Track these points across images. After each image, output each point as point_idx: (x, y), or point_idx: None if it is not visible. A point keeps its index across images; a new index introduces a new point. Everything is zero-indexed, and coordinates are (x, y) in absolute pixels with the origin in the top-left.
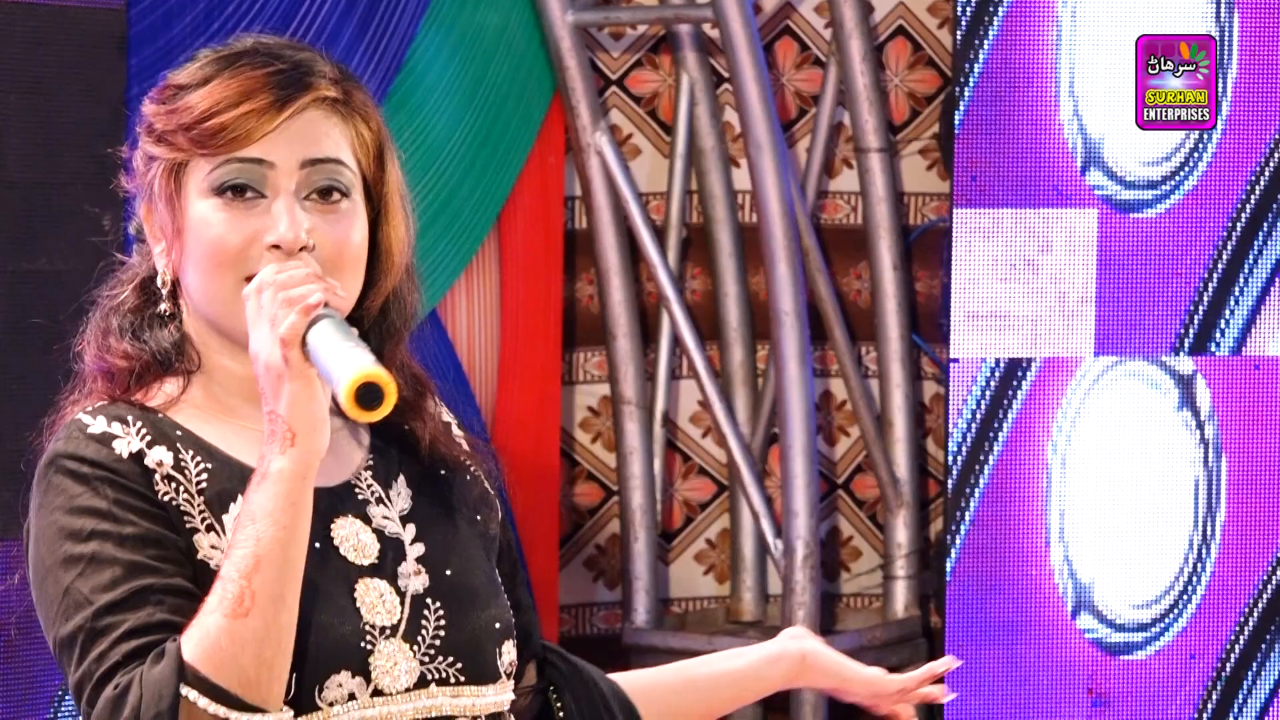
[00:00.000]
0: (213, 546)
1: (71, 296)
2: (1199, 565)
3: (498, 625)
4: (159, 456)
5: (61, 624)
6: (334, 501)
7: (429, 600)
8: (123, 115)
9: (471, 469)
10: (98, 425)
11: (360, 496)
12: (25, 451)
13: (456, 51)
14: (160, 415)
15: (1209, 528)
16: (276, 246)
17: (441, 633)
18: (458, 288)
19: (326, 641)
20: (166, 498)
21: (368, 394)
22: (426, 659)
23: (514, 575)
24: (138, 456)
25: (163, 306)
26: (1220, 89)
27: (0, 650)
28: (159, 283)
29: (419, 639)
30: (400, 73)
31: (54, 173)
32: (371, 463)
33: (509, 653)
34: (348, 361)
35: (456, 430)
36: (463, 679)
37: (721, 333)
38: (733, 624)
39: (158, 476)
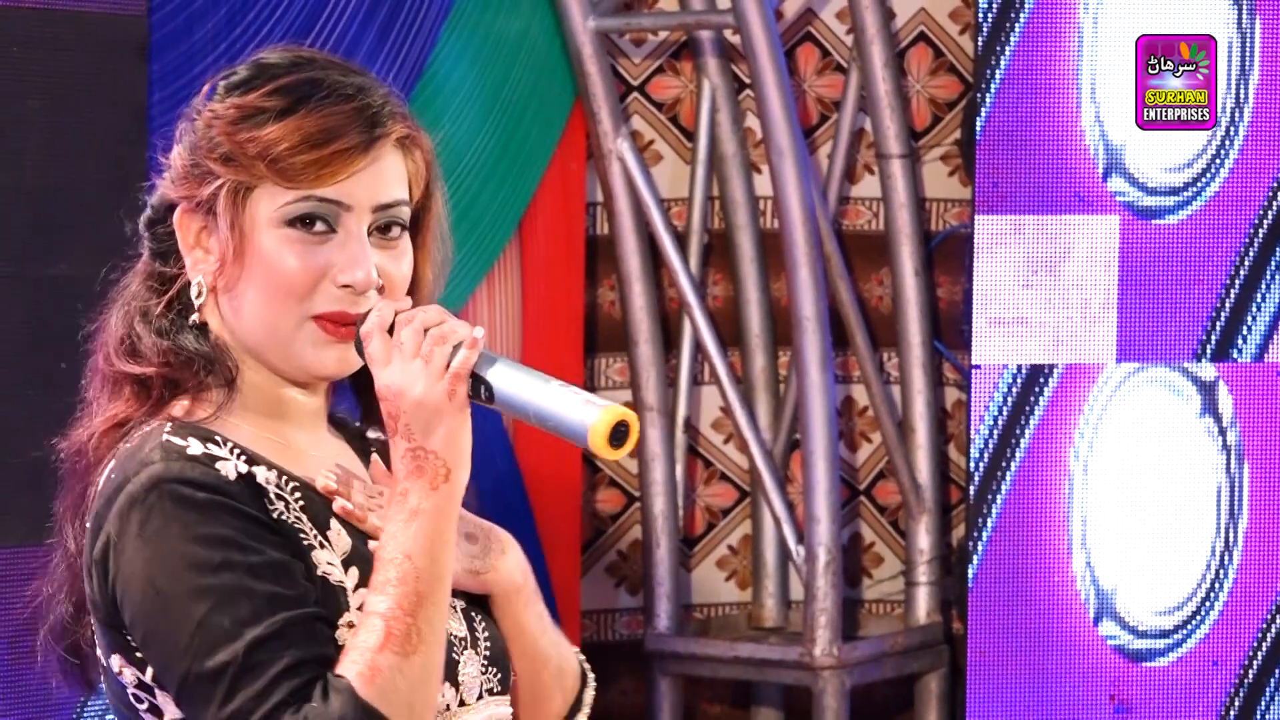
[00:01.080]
0: (329, 564)
1: (91, 302)
2: (1221, 572)
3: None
4: (264, 475)
5: (198, 659)
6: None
7: (474, 614)
8: (143, 120)
9: None
10: (194, 446)
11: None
12: (46, 456)
13: (478, 58)
14: (217, 435)
15: (1231, 534)
16: (348, 286)
17: (489, 643)
18: (479, 294)
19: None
20: (281, 516)
21: (621, 432)
22: (484, 669)
23: None
24: (248, 478)
25: (193, 318)
26: (1242, 94)
27: (24, 654)
28: (193, 293)
29: (479, 649)
30: (421, 79)
31: (74, 178)
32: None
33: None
34: (579, 401)
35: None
36: (499, 689)
37: (743, 339)
38: (755, 630)
39: (268, 496)
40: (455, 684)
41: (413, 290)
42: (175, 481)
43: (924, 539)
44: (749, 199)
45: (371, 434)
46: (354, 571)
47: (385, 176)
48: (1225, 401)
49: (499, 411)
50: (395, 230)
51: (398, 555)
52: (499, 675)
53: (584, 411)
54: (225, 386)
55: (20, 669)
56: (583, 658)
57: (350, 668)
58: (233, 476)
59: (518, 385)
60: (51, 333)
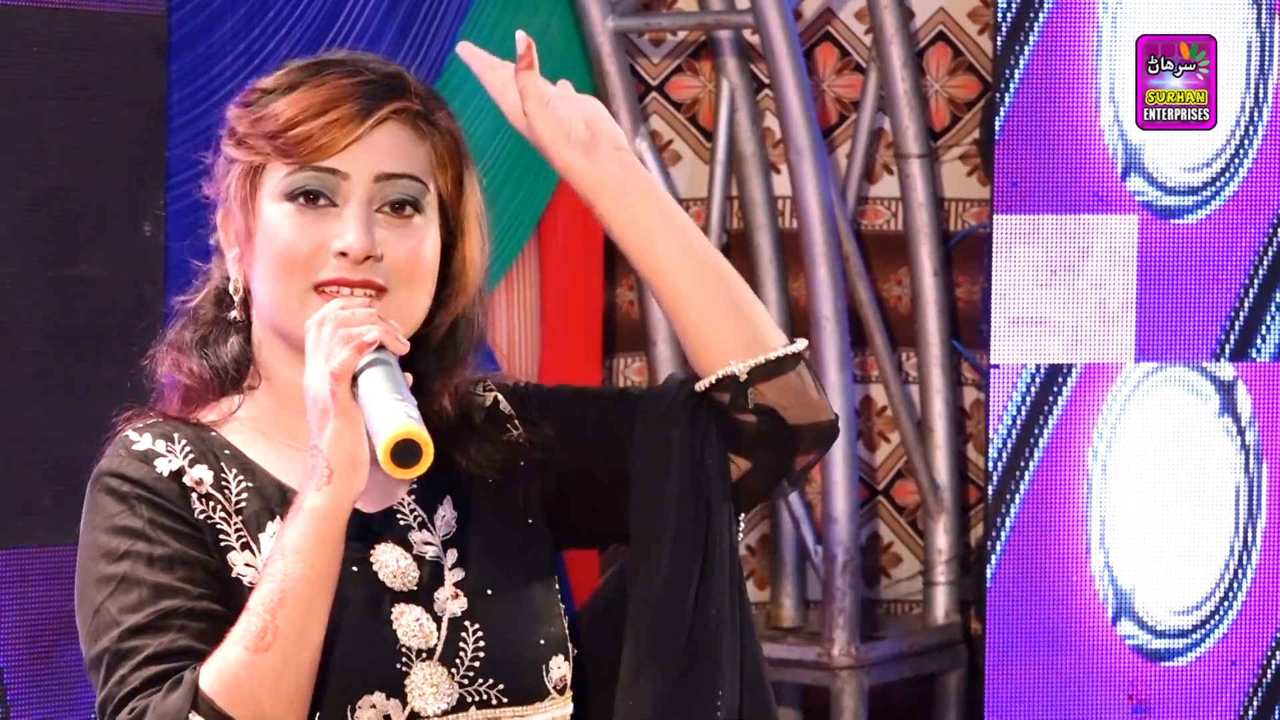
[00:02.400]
0: (247, 565)
1: (111, 302)
2: (1240, 572)
3: (543, 642)
4: (199, 474)
5: (91, 643)
6: (375, 527)
7: (467, 623)
8: (163, 121)
9: (521, 463)
10: (143, 443)
11: (402, 522)
12: (67, 457)
13: (497, 57)
14: (212, 433)
15: (1250, 534)
16: (343, 254)
17: (481, 654)
18: (498, 294)
19: (360, 663)
20: (202, 515)
21: (405, 451)
22: (465, 681)
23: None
24: (177, 474)
25: (233, 314)
26: (1262, 93)
27: (44, 654)
28: (230, 289)
29: (457, 662)
30: (440, 79)
31: (94, 178)
32: (415, 486)
33: (559, 668)
34: (389, 414)
35: (505, 407)
36: (505, 700)
37: None
38: (773, 630)
39: (195, 495)
40: (399, 696)
41: (451, 286)
42: (109, 474)
43: (942, 539)
44: (768, 199)
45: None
46: None
47: (389, 147)
48: (1244, 401)
49: None
50: (409, 210)
51: (275, 553)
52: (499, 686)
53: (385, 424)
54: (244, 392)
55: (40, 668)
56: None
57: (209, 662)
58: (165, 473)
59: (369, 391)
60: (71, 333)
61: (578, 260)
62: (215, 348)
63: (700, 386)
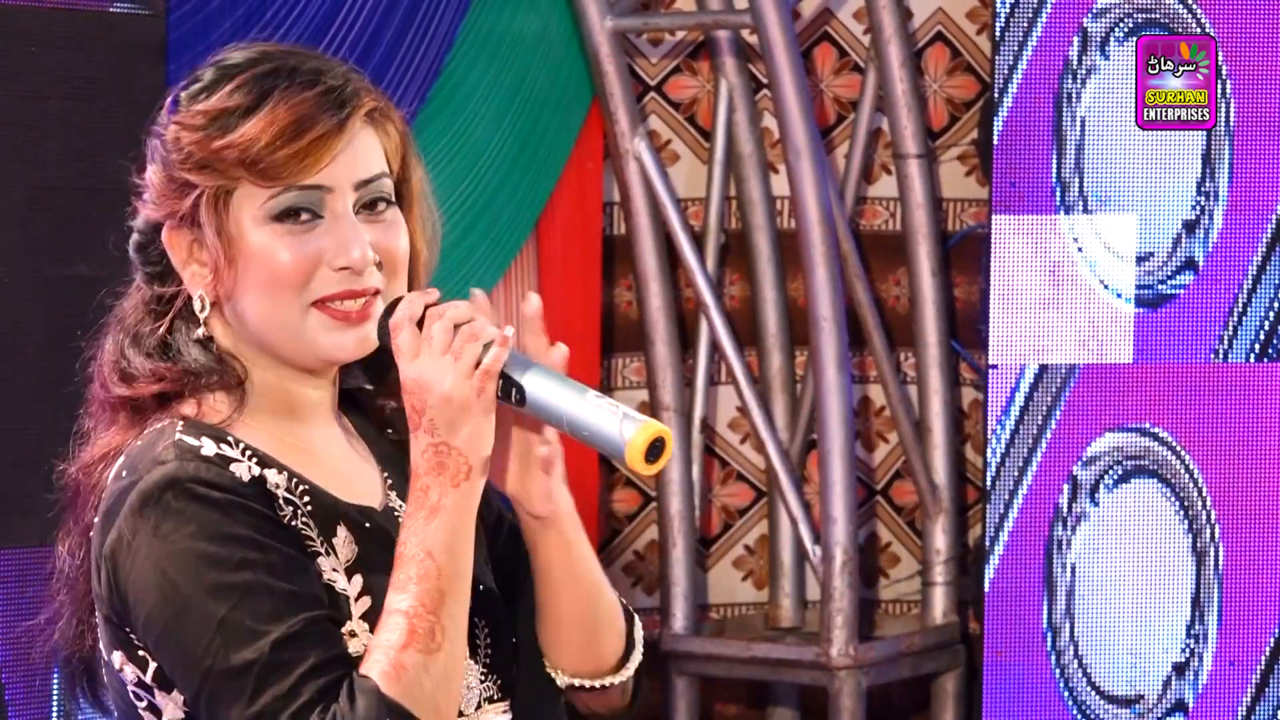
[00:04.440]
0: (333, 570)
1: (109, 303)
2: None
3: (514, 640)
4: (274, 479)
5: (221, 657)
6: (387, 523)
7: (477, 619)
8: None
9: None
10: (208, 447)
11: (397, 515)
12: (65, 458)
13: (495, 57)
14: (231, 438)
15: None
16: (345, 268)
17: (490, 650)
18: (496, 293)
19: None
20: (290, 520)
21: (657, 449)
22: (481, 677)
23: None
24: (259, 480)
25: (200, 331)
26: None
27: (40, 655)
28: (196, 307)
29: (477, 657)
30: (439, 78)
31: (92, 178)
32: (391, 480)
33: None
34: (616, 415)
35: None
36: (499, 696)
37: (760, 339)
38: (771, 630)
39: (280, 500)
40: None
41: (413, 254)
42: (190, 481)
43: (940, 539)
44: (766, 199)
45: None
46: (357, 580)
47: (362, 153)
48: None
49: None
50: (381, 205)
51: (419, 552)
52: (499, 682)
53: (621, 426)
54: (234, 390)
55: (37, 668)
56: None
57: (374, 666)
58: (246, 478)
59: (553, 392)
60: (71, 333)
61: (576, 260)
62: (182, 352)
63: (562, 684)
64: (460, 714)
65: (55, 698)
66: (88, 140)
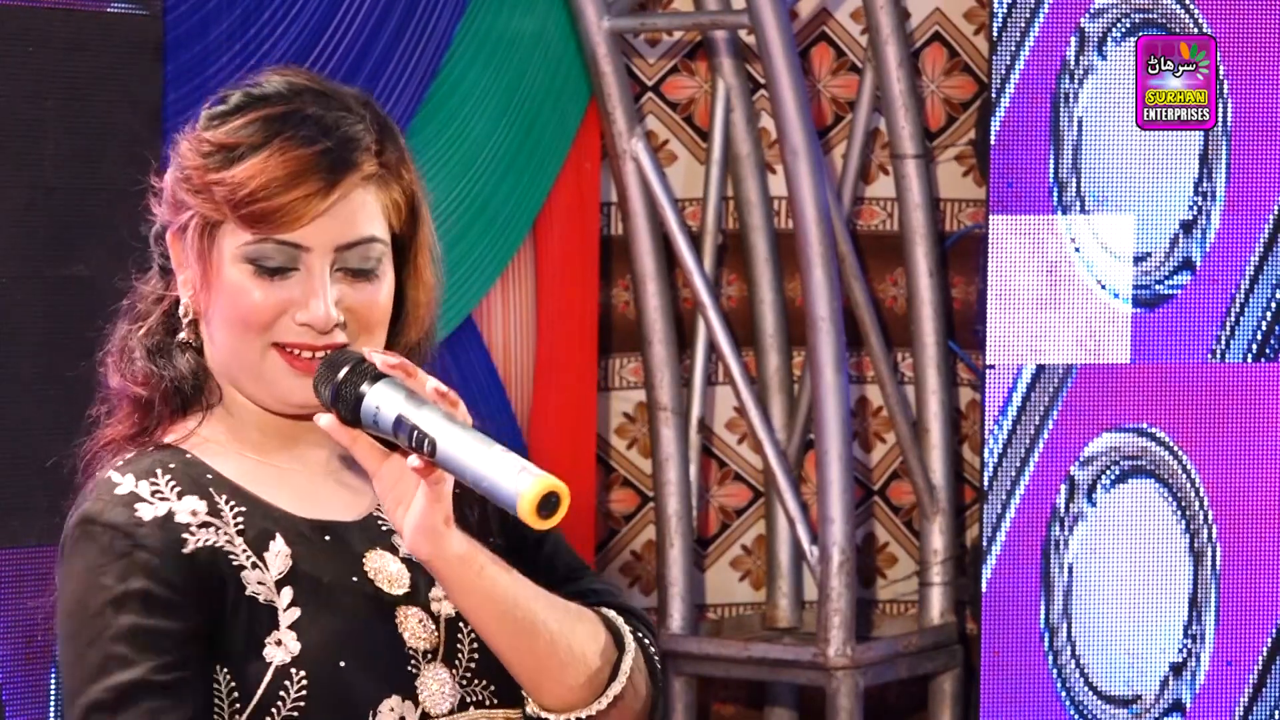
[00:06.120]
0: (259, 583)
1: (108, 303)
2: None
3: None
4: (191, 506)
5: (67, 699)
6: (361, 535)
7: (462, 624)
8: (159, 121)
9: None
10: (126, 484)
11: (384, 527)
12: (64, 457)
13: (492, 58)
14: (188, 455)
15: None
16: (306, 324)
17: (476, 655)
18: (493, 294)
19: (376, 669)
20: (205, 543)
21: (550, 503)
22: (465, 681)
23: (551, 556)
24: (166, 518)
25: (182, 335)
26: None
27: (39, 653)
28: (181, 312)
29: (456, 662)
30: (436, 79)
31: (90, 178)
32: None
33: None
34: (515, 468)
35: None
36: (496, 701)
37: (757, 339)
38: (768, 630)
39: (191, 527)
40: (412, 698)
41: (403, 319)
42: (90, 521)
43: (938, 539)
44: (763, 199)
45: None
46: (288, 591)
47: (352, 216)
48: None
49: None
50: (370, 264)
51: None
52: (491, 688)
53: (518, 479)
54: (206, 410)
55: (35, 668)
56: (619, 619)
57: None
58: (148, 518)
59: (460, 442)
60: (69, 333)
61: (573, 261)
62: (165, 360)
63: (530, 713)
64: (427, 716)
65: (53, 697)
66: (85, 140)
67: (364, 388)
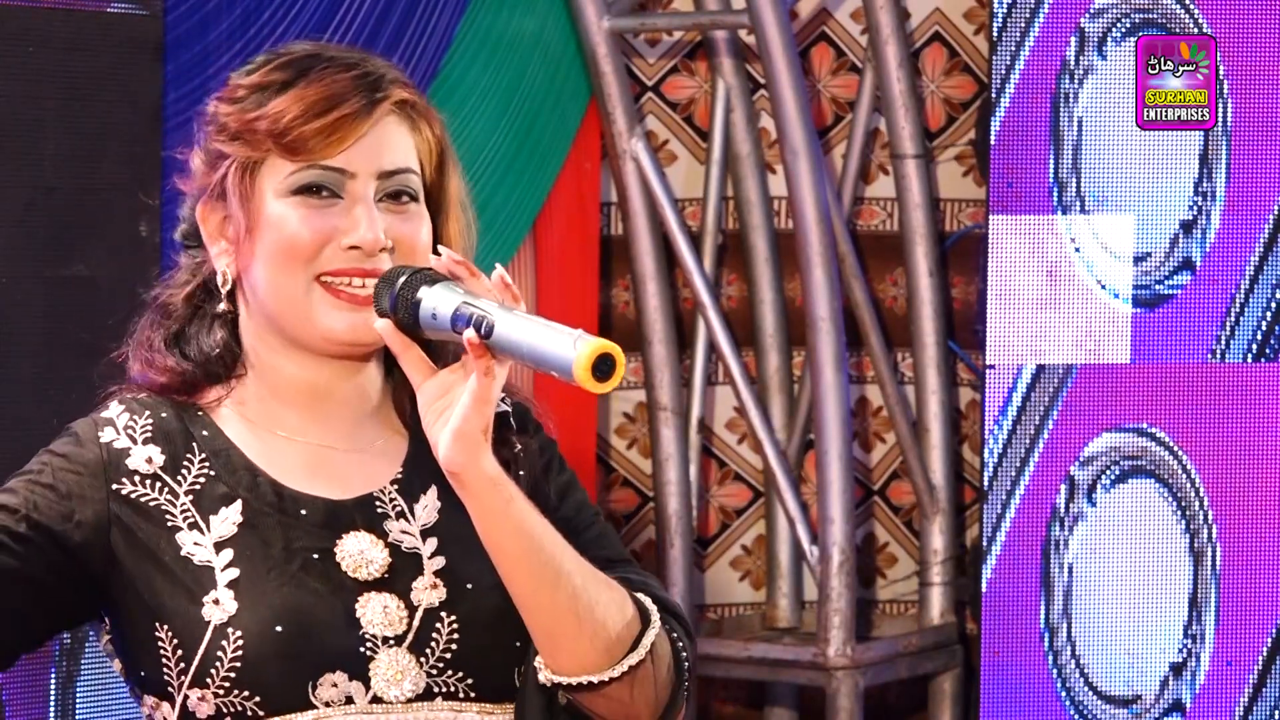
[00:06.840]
0: (196, 544)
1: (108, 302)
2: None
3: (519, 644)
4: (147, 454)
5: None
6: (345, 515)
7: (443, 614)
8: (159, 121)
9: (519, 471)
10: (112, 411)
11: (379, 510)
12: None
13: (492, 57)
14: (199, 412)
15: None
16: (355, 247)
17: (454, 647)
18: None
19: (320, 642)
20: (140, 496)
21: (607, 365)
22: (434, 672)
23: (599, 539)
24: (121, 452)
25: (221, 306)
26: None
27: (34, 653)
28: (219, 282)
29: (427, 651)
30: (436, 79)
31: (90, 178)
32: (401, 475)
33: None
34: (566, 336)
35: (505, 407)
36: (472, 695)
37: (757, 339)
38: (769, 630)
39: (137, 475)
40: (362, 679)
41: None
42: (68, 428)
43: (938, 539)
44: (763, 199)
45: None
46: (228, 553)
47: (389, 144)
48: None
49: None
50: (405, 198)
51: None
52: (468, 681)
53: (576, 343)
54: (227, 383)
55: (35, 667)
56: (650, 604)
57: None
58: (104, 439)
59: (510, 322)
60: (69, 333)
61: (573, 261)
62: (196, 341)
63: (542, 679)
64: (379, 699)
65: (53, 696)
66: (85, 140)
67: (422, 291)
